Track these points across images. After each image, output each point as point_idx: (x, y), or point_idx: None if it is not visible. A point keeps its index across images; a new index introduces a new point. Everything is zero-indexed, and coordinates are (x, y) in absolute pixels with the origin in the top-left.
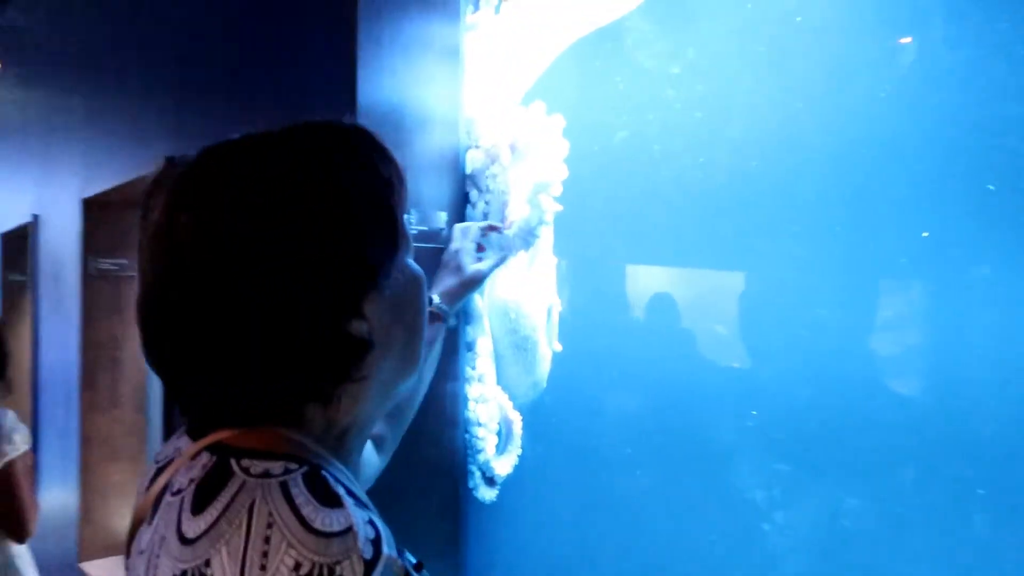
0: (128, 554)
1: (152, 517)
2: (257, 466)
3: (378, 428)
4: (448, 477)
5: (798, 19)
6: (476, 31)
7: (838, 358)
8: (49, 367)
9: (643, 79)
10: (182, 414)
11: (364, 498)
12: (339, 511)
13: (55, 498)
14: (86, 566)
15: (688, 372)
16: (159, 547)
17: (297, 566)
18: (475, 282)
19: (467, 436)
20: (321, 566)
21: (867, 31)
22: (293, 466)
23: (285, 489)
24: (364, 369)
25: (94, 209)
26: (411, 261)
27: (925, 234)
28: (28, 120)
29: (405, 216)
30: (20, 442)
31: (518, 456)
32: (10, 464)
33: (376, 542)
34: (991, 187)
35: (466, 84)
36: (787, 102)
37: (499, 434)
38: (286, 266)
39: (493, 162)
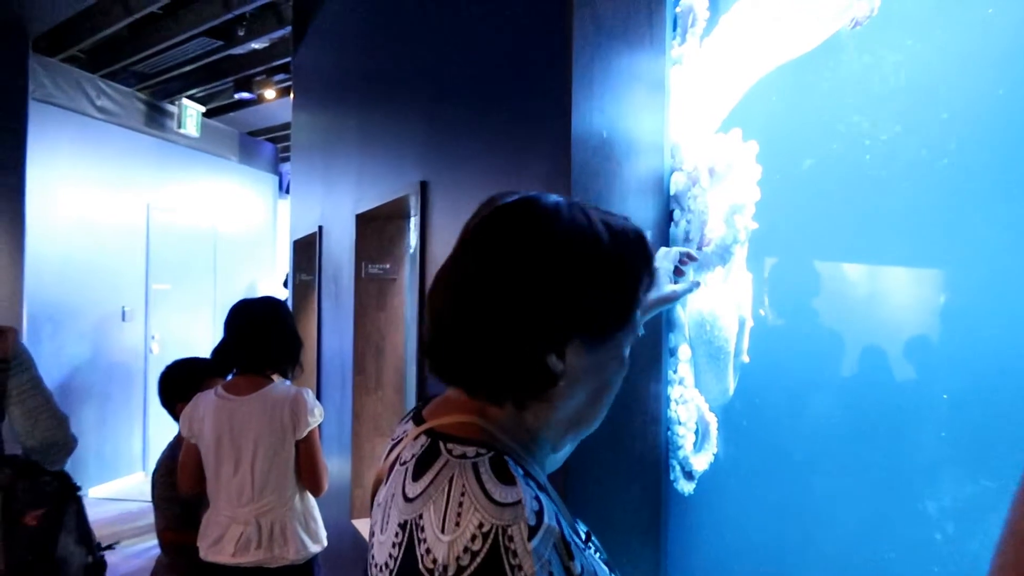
0: (371, 507)
1: (387, 480)
2: (457, 449)
3: None
4: (652, 469)
5: (990, 9)
6: (681, 64)
7: None
8: (329, 354)
9: (832, 104)
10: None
11: (543, 480)
12: (513, 488)
13: (333, 464)
14: (356, 522)
15: (871, 382)
16: (391, 502)
17: (480, 525)
18: (668, 301)
19: (668, 433)
20: (498, 527)
21: None
22: (483, 451)
23: (475, 468)
24: (550, 396)
25: (364, 223)
26: (627, 351)
27: None
28: (314, 143)
29: (640, 315)
30: (318, 415)
31: (713, 455)
32: (311, 432)
33: (539, 513)
34: None
35: (671, 111)
36: (984, 131)
37: (696, 433)
38: (526, 306)
39: (694, 184)
